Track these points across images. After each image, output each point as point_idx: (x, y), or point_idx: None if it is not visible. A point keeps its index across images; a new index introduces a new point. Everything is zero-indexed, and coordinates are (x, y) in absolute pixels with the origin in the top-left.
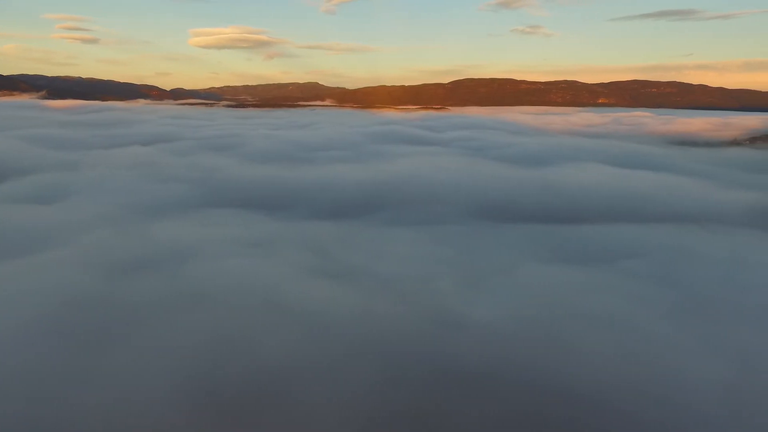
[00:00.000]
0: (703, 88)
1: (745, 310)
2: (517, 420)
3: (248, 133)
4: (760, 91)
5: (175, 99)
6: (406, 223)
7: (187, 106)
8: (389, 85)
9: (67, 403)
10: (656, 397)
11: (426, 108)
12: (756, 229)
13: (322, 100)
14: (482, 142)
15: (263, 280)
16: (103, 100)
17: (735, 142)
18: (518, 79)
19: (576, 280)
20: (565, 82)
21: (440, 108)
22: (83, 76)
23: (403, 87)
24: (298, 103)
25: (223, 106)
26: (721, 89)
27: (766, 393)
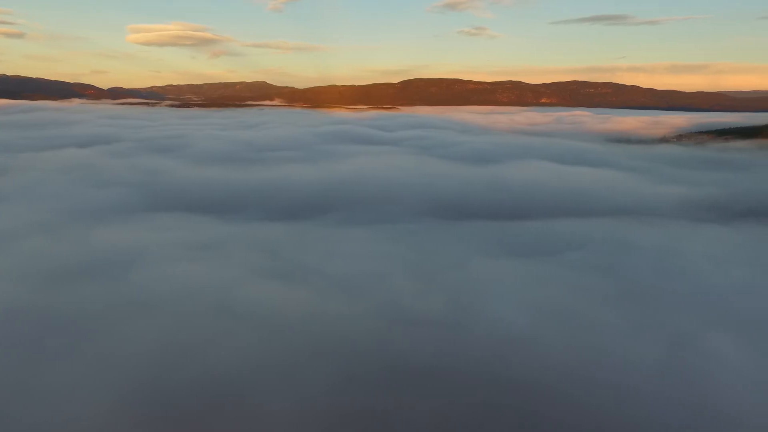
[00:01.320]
0: (635, 89)
1: (677, 295)
2: (471, 410)
3: (194, 134)
4: (685, 92)
5: (114, 98)
6: (359, 223)
7: (126, 106)
8: (339, 84)
9: (1, 422)
10: (597, 380)
11: (377, 108)
12: (685, 220)
13: (271, 99)
14: (432, 141)
15: (214, 284)
16: (31, 99)
17: (664, 140)
18: (466, 79)
19: (523, 273)
20: (510, 82)
21: (391, 108)
22: (8, 74)
23: (353, 87)
24: (246, 102)
25: (167, 105)
26: (651, 90)
27: (696, 371)
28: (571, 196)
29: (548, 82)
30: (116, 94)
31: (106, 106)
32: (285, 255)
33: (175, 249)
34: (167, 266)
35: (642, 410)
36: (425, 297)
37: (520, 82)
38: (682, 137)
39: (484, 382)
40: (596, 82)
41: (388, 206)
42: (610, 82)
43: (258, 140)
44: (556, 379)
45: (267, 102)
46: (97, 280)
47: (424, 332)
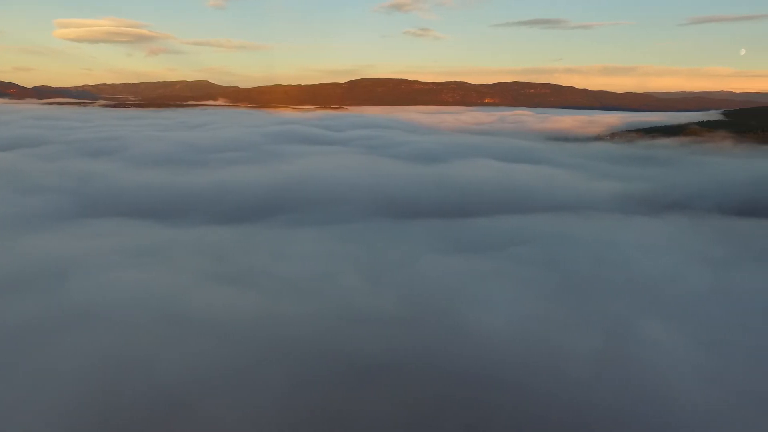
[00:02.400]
0: (571, 90)
1: (614, 284)
2: (425, 405)
3: (132, 135)
4: (616, 93)
5: (40, 98)
6: (309, 224)
7: (55, 106)
8: (285, 84)
9: None
10: (543, 369)
11: (324, 108)
12: (618, 214)
13: (215, 99)
14: (380, 141)
15: (159, 291)
16: None
17: (598, 138)
18: (412, 79)
19: (471, 268)
20: (455, 82)
21: (338, 107)
22: None
23: (299, 86)
24: (188, 102)
25: (101, 105)
26: (585, 91)
27: (634, 357)
28: (515, 193)
29: (491, 82)
30: (43, 93)
31: (31, 106)
32: (233, 258)
33: (114, 256)
34: (107, 274)
35: (584, 396)
36: (377, 295)
37: (464, 83)
38: (614, 135)
39: (436, 375)
40: (536, 83)
41: (337, 206)
42: (549, 83)
43: (201, 141)
44: (505, 370)
45: (210, 102)
46: (29, 292)
47: (377, 330)
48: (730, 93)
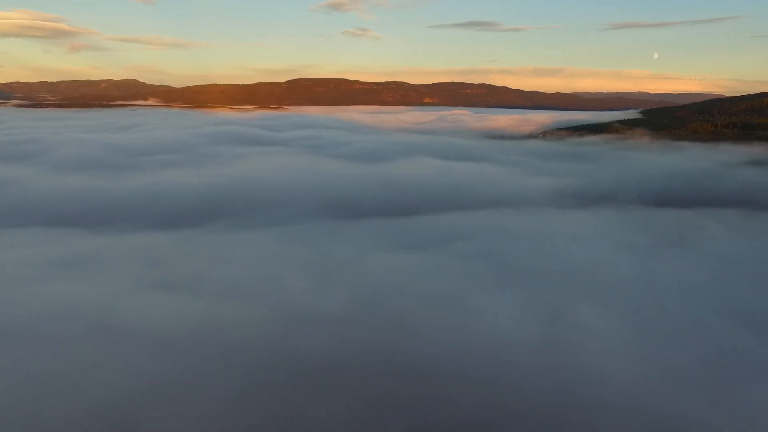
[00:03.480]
0: (506, 90)
1: (551, 274)
2: (374, 402)
3: (52, 138)
4: (546, 93)
5: None
6: (251, 227)
7: None
8: (222, 83)
9: None
10: (487, 359)
11: (263, 107)
12: (553, 208)
13: (145, 99)
14: (322, 141)
15: (88, 303)
16: None
17: (532, 136)
18: (352, 79)
19: (416, 264)
20: (395, 82)
21: (278, 107)
22: None
23: (237, 86)
24: (115, 102)
25: (14, 105)
26: (519, 91)
27: (570, 341)
28: (456, 190)
29: (430, 83)
30: None
31: None
32: (170, 265)
33: (37, 267)
34: (28, 287)
35: (526, 381)
36: (324, 296)
37: (404, 83)
38: (546, 133)
39: (386, 372)
40: (472, 84)
41: (280, 208)
42: (485, 84)
43: (132, 144)
44: (451, 362)
45: (140, 102)
46: None
47: (326, 330)
48: (646, 93)
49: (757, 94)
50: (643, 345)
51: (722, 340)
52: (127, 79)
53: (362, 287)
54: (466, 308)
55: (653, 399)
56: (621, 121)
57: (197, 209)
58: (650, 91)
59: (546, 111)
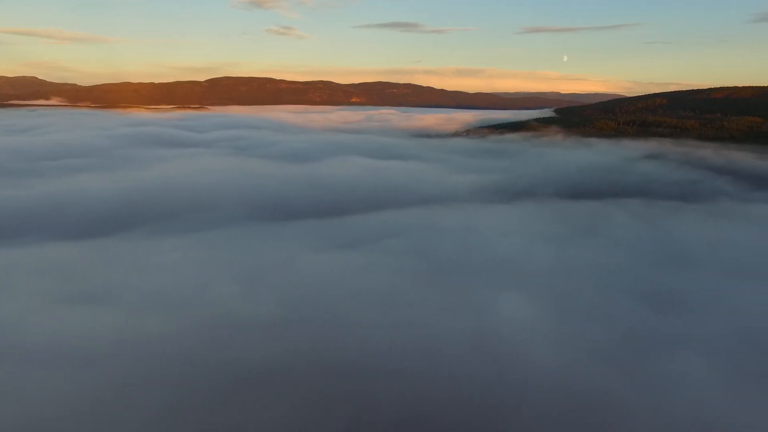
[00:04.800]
0: (430, 90)
1: (478, 266)
2: (312, 404)
3: None
4: (468, 93)
5: None
6: (174, 232)
7: None
8: (136, 81)
9: None
10: (422, 352)
11: (183, 107)
12: (478, 203)
13: (47, 98)
14: (248, 141)
15: None
16: None
17: (456, 134)
18: (278, 78)
19: (348, 263)
20: (322, 82)
21: (199, 107)
22: None
23: (153, 84)
24: (11, 102)
25: None
26: (443, 91)
27: (501, 332)
28: (386, 189)
29: (356, 82)
30: None
31: None
32: (85, 276)
33: None
34: None
35: (460, 371)
36: (255, 300)
37: (330, 82)
38: (469, 132)
39: (322, 373)
40: (398, 83)
41: (206, 212)
42: (410, 84)
43: (32, 147)
44: (387, 358)
45: (41, 101)
46: None
47: (259, 335)
48: (558, 93)
49: (651, 94)
50: (564, 328)
51: (631, 319)
52: (23, 77)
53: (294, 289)
54: (399, 304)
55: (575, 378)
56: (537, 120)
57: (113, 217)
58: (562, 92)
59: (469, 110)
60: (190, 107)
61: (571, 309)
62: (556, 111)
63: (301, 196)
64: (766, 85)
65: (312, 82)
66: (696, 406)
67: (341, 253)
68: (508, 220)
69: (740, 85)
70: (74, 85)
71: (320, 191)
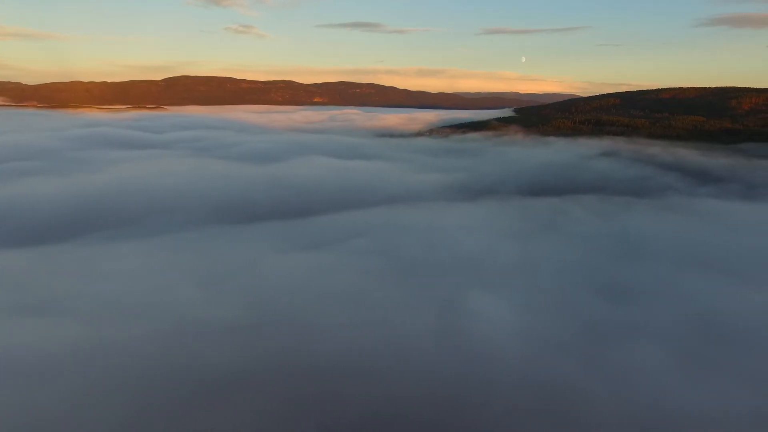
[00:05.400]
0: (393, 90)
1: (444, 264)
2: (281, 406)
3: None
4: (431, 93)
5: None
6: (133, 237)
7: None
8: (87, 80)
9: None
10: (387, 351)
11: (138, 107)
12: (442, 201)
13: None
14: (209, 142)
15: None
16: None
17: (420, 134)
18: (238, 77)
19: (313, 264)
20: (283, 81)
21: (155, 107)
22: None
23: (105, 83)
24: None
25: None
26: (405, 91)
27: (465, 326)
28: (350, 189)
29: (319, 82)
30: None
31: None
32: (34, 285)
33: None
34: None
35: (425, 369)
36: (220, 303)
37: (293, 82)
38: (432, 131)
39: (290, 375)
40: (361, 83)
41: (166, 215)
42: (373, 83)
43: None
44: (353, 358)
45: None
46: None
47: (225, 339)
48: (518, 93)
49: (604, 94)
50: (527, 322)
51: (590, 311)
52: None
53: (259, 291)
54: (365, 304)
55: (540, 371)
56: (498, 119)
57: (66, 222)
58: (521, 92)
59: (431, 110)
60: (146, 107)
61: (534, 304)
62: (515, 111)
63: (265, 197)
64: (708, 86)
65: (273, 81)
66: (654, 392)
67: (306, 254)
68: (471, 218)
69: (685, 86)
70: (19, 84)
71: (284, 192)
